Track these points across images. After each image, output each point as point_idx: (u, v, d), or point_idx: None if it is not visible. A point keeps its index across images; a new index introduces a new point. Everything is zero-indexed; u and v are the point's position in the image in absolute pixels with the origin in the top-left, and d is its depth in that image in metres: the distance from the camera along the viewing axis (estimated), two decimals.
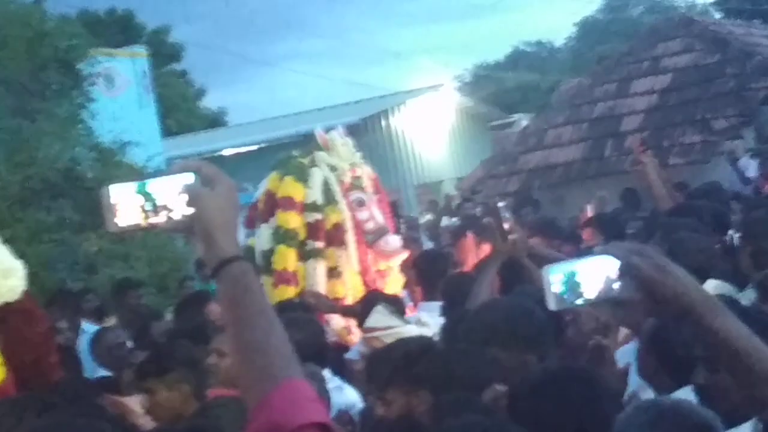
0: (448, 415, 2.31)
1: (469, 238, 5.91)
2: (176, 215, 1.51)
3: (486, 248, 5.42)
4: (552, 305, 1.58)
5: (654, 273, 1.55)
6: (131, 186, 1.51)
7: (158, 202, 1.50)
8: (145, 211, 1.51)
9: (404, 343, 3.20)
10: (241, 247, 1.57)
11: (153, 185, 1.51)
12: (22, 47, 11.01)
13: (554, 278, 1.58)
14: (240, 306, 1.46)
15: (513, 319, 2.84)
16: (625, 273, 1.56)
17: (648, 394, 2.95)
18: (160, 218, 1.51)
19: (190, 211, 1.50)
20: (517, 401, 2.10)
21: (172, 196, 1.50)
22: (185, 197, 1.50)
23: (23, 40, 11.05)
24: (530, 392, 2.09)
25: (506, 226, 3.77)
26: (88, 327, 6.53)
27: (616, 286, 1.56)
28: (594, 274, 1.58)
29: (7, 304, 3.72)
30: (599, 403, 2.09)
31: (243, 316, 1.46)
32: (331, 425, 1.42)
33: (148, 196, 1.50)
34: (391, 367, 2.92)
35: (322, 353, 3.83)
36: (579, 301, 1.59)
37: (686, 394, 2.61)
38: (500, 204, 4.00)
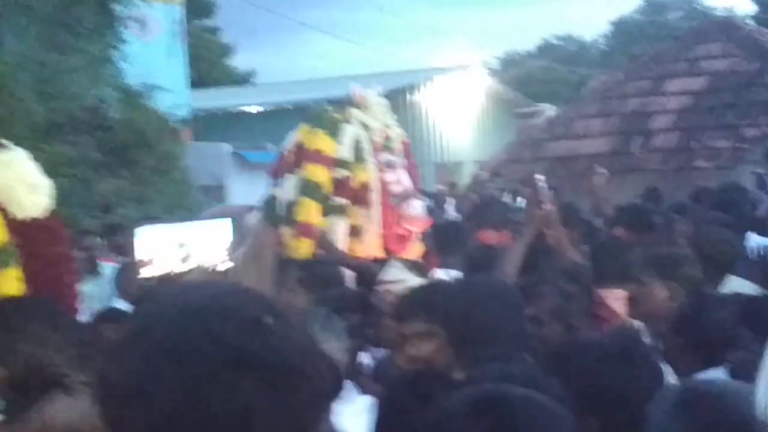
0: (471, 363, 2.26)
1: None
2: (210, 266, 1.46)
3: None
4: None
5: None
6: (164, 230, 1.44)
7: (192, 252, 1.44)
8: (179, 260, 1.45)
9: (432, 282, 3.17)
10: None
11: (187, 232, 1.44)
12: None
13: None
14: None
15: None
16: None
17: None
18: (192, 266, 1.45)
19: (226, 265, 1.45)
20: (558, 360, 2.04)
21: (206, 245, 1.44)
22: (223, 250, 1.45)
23: None
24: (577, 352, 2.03)
25: (542, 198, 3.71)
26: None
27: None
28: None
29: (31, 220, 3.69)
30: (648, 371, 2.03)
31: None
32: None
33: (182, 246, 1.44)
34: (412, 300, 2.89)
35: None
36: None
37: (717, 374, 2.56)
38: (538, 176, 3.93)
